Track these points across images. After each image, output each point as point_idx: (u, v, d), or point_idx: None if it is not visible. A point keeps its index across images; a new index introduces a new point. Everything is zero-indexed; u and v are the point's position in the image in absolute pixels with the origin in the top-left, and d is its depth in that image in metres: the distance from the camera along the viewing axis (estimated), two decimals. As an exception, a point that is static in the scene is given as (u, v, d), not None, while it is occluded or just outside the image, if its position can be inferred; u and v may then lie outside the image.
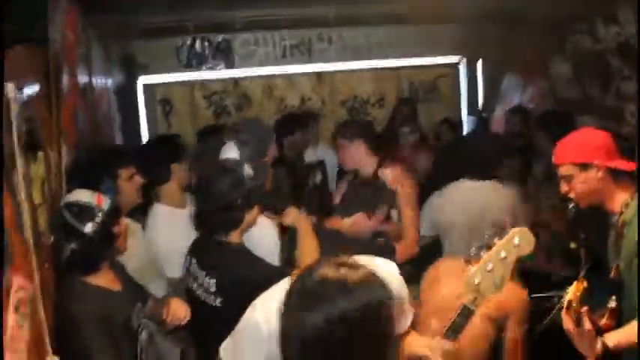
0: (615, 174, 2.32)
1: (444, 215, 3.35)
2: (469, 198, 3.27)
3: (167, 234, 3.13)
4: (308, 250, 2.64)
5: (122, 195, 2.92)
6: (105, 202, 2.39)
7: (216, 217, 2.50)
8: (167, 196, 3.30)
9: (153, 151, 3.63)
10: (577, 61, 4.68)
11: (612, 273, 2.30)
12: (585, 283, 2.07)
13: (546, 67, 5.24)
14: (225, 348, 1.90)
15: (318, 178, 4.88)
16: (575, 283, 2.07)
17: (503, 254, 1.67)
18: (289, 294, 1.43)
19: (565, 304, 2.02)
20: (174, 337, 2.89)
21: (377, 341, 1.37)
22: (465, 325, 1.76)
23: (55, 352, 2.07)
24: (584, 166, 2.30)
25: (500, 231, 1.69)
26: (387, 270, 1.80)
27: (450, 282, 2.43)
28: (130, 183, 3.01)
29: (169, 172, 3.32)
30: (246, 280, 2.35)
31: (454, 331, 1.77)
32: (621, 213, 2.32)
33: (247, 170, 2.62)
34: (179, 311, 2.46)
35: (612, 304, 2.10)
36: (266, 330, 1.72)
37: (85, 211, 2.32)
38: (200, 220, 2.58)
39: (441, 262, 2.45)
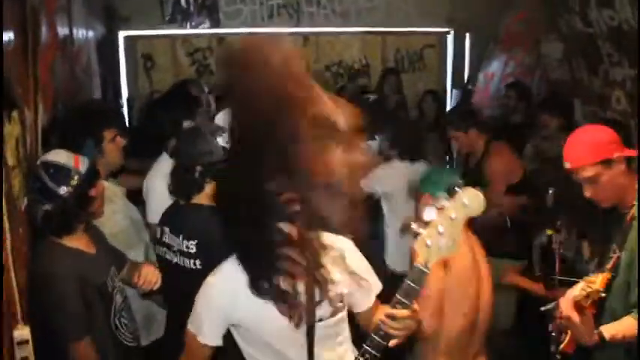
0: (628, 164, 2.27)
1: (382, 186, 3.86)
2: (400, 176, 3.69)
3: (164, 185, 3.05)
4: None
5: (105, 157, 2.88)
6: (82, 165, 2.34)
7: (179, 178, 2.52)
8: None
9: (164, 104, 3.71)
10: (568, 42, 4.65)
11: (610, 265, 2.26)
12: (609, 275, 2.08)
13: (536, 44, 5.20)
14: (190, 320, 1.92)
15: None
16: (599, 275, 2.08)
17: (453, 215, 1.64)
18: None
19: (586, 293, 2.00)
20: (157, 299, 2.91)
21: None
22: (420, 288, 1.70)
23: (25, 321, 2.04)
24: (608, 163, 2.24)
25: (452, 192, 1.66)
26: (344, 245, 1.89)
27: None
28: (112, 144, 2.95)
29: (179, 126, 3.25)
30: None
31: (407, 295, 1.70)
32: (632, 205, 2.28)
33: (223, 140, 2.56)
34: (150, 276, 2.45)
35: (602, 294, 2.10)
36: (219, 289, 1.82)
37: (61, 173, 2.27)
38: (172, 180, 2.58)
39: None
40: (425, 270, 1.67)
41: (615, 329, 2.14)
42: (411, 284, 1.69)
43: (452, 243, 1.65)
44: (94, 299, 2.34)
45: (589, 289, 2.02)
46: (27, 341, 1.94)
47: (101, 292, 2.39)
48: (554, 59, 4.91)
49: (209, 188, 2.50)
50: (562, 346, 2.22)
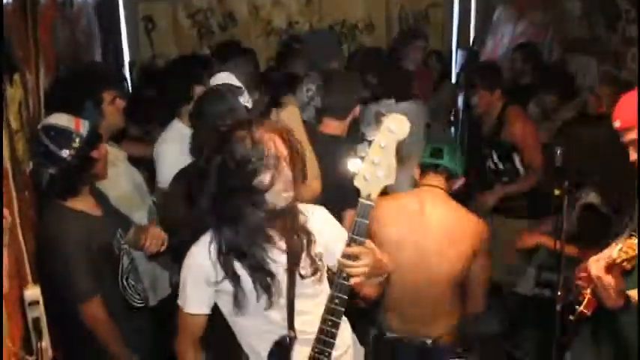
0: None
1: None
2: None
3: (176, 150, 3.01)
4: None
5: (105, 119, 2.86)
6: (83, 127, 2.34)
7: (205, 140, 2.45)
8: (186, 115, 3.16)
9: (175, 71, 3.70)
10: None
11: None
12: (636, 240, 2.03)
13: (554, 1, 5.08)
14: (178, 297, 1.98)
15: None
16: (629, 241, 1.98)
17: (383, 143, 1.70)
18: None
19: (626, 257, 1.93)
20: (162, 261, 2.94)
21: None
22: (367, 222, 1.74)
23: (35, 281, 2.06)
24: None
25: (378, 121, 1.74)
26: (321, 215, 2.03)
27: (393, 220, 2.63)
28: (112, 106, 2.93)
29: (190, 93, 3.21)
30: None
31: (359, 232, 1.74)
32: None
33: (245, 99, 2.54)
34: (157, 237, 2.47)
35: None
36: (200, 256, 1.87)
37: (63, 136, 2.28)
38: (193, 142, 2.57)
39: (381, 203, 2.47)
40: (369, 203, 1.73)
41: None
42: (360, 219, 1.74)
43: (388, 171, 1.71)
44: (102, 261, 2.37)
45: (629, 254, 1.94)
46: (37, 302, 1.96)
47: (108, 254, 2.42)
48: (573, 16, 4.80)
49: None
50: (580, 308, 2.19)
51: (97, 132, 2.45)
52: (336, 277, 1.79)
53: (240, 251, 1.83)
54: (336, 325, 1.81)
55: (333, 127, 3.05)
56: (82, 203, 2.40)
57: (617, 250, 1.97)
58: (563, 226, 2.41)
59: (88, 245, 2.30)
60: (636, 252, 1.94)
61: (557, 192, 2.43)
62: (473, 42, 6.57)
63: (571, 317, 2.22)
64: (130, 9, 6.21)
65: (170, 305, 2.85)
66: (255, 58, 4.34)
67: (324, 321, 1.81)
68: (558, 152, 2.42)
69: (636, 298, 2.05)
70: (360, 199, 1.74)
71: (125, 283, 2.49)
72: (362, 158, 1.72)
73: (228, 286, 1.86)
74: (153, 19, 6.38)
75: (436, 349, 2.63)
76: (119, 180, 2.93)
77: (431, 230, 2.59)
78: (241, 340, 2.02)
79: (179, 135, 3.07)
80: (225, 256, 1.84)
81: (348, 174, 1.76)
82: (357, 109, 3.09)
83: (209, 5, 6.48)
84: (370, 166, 1.71)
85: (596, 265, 2.01)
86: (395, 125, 1.69)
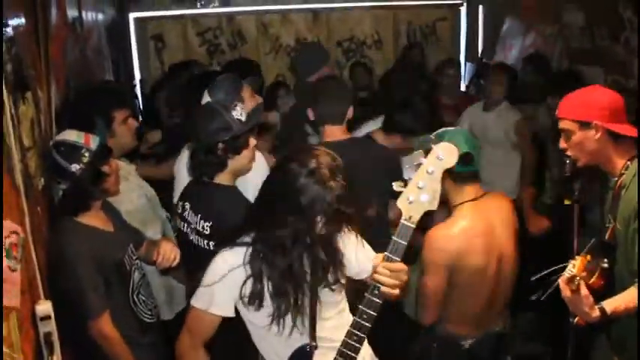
0: (616, 137, 2.25)
1: None
2: None
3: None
4: None
5: (116, 138, 2.87)
6: (93, 142, 2.36)
7: (201, 158, 2.46)
8: None
9: (188, 87, 3.80)
10: (589, 9, 4.55)
11: (607, 235, 2.28)
12: (589, 257, 2.07)
13: (557, 13, 5.10)
14: (194, 298, 1.99)
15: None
16: (579, 257, 2.05)
17: (430, 169, 1.74)
18: None
19: (569, 277, 1.99)
20: (177, 275, 2.94)
21: None
22: (405, 244, 1.79)
23: (47, 297, 2.08)
24: (584, 125, 2.24)
25: (426, 150, 1.78)
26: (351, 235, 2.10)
27: None
28: (124, 126, 2.92)
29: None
30: (237, 222, 2.36)
31: (396, 251, 1.79)
32: (620, 175, 2.27)
33: (238, 113, 2.54)
34: (169, 252, 2.46)
35: (605, 265, 2.10)
36: (232, 263, 1.90)
37: (72, 151, 2.31)
38: (191, 162, 2.55)
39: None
40: (410, 225, 1.77)
41: (617, 302, 2.11)
42: (399, 240, 1.78)
43: (432, 197, 1.75)
44: (112, 276, 2.37)
45: (570, 273, 2.01)
46: (49, 316, 1.97)
47: (119, 270, 2.42)
48: (575, 28, 4.81)
49: (231, 165, 2.48)
50: (576, 319, 2.21)
51: (107, 147, 2.47)
52: (367, 294, 1.83)
53: (280, 266, 1.86)
54: (361, 341, 1.84)
55: (337, 134, 3.03)
56: (94, 219, 2.41)
57: (567, 270, 2.02)
58: (575, 237, 2.40)
59: (99, 261, 2.30)
60: (575, 271, 1.99)
61: (567, 202, 2.42)
62: (481, 54, 6.59)
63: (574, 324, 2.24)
64: (140, 28, 6.30)
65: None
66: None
67: (349, 335, 1.85)
68: (567, 161, 2.41)
69: (613, 308, 2.08)
70: (402, 220, 1.78)
71: (136, 298, 2.49)
72: (407, 181, 1.78)
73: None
74: (163, 38, 6.48)
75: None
76: (131, 195, 2.93)
77: (505, 244, 2.50)
78: (259, 344, 2.03)
79: None
80: (262, 265, 1.86)
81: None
82: (351, 112, 3.03)
83: (218, 24, 6.57)
84: (415, 190, 1.75)
85: (561, 283, 2.03)
86: (444, 153, 1.74)
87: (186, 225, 2.55)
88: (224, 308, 1.94)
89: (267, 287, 1.87)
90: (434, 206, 1.76)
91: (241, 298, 1.90)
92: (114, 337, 2.31)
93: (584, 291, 2.01)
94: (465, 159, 2.32)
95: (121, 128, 2.91)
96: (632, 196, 2.19)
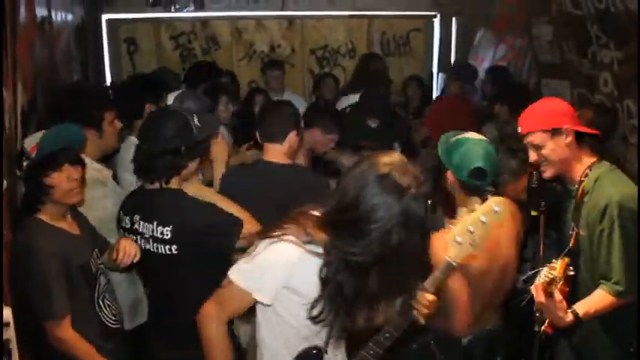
0: (579, 141, 2.34)
1: None
2: None
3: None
4: None
5: (104, 138, 2.92)
6: (37, 152, 2.30)
7: (159, 161, 2.38)
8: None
9: (131, 89, 3.84)
10: (558, 24, 4.65)
11: (571, 242, 2.33)
12: (567, 260, 2.13)
13: (528, 26, 5.20)
14: (240, 277, 1.90)
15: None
16: (559, 261, 2.13)
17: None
18: None
19: (548, 281, 2.06)
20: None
21: None
22: (445, 279, 1.91)
23: (7, 303, 2.01)
24: (555, 132, 2.30)
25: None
26: None
27: None
28: (111, 127, 2.98)
29: (143, 109, 3.42)
30: (200, 223, 2.35)
31: (434, 284, 1.90)
32: (581, 182, 2.34)
33: (195, 121, 2.50)
34: (129, 247, 2.35)
35: (570, 272, 2.15)
36: (288, 255, 1.83)
37: (21, 156, 2.33)
38: (141, 163, 2.45)
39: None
40: (453, 264, 1.87)
41: (587, 305, 2.21)
42: (440, 276, 1.91)
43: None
44: (78, 278, 2.34)
45: (551, 276, 2.07)
46: (8, 323, 1.91)
47: (85, 272, 2.39)
48: (544, 41, 4.91)
49: (185, 171, 2.45)
50: (543, 327, 2.25)
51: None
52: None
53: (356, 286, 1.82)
54: (377, 356, 1.92)
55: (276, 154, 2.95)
56: (61, 221, 2.40)
57: (543, 275, 2.08)
58: (541, 247, 2.44)
59: (64, 261, 2.27)
60: (556, 274, 2.04)
61: (533, 213, 2.45)
62: (453, 66, 6.68)
63: (542, 336, 2.31)
64: (112, 30, 6.21)
65: (145, 329, 2.82)
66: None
67: (368, 349, 1.91)
68: (534, 173, 2.45)
69: (584, 310, 2.17)
70: (447, 257, 1.87)
71: (101, 302, 2.46)
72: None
73: (299, 286, 1.85)
74: (135, 41, 6.41)
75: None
76: (105, 201, 2.86)
77: (508, 252, 2.51)
78: (269, 335, 1.98)
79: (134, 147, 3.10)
80: (337, 276, 1.80)
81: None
82: (294, 136, 2.95)
83: (192, 28, 6.52)
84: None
85: (535, 290, 2.09)
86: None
87: (139, 237, 2.45)
88: (268, 297, 1.87)
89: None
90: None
91: (287, 287, 1.85)
92: (74, 340, 2.27)
93: (558, 296, 2.05)
94: (474, 174, 2.35)
95: (109, 129, 2.96)
96: (597, 200, 2.25)
